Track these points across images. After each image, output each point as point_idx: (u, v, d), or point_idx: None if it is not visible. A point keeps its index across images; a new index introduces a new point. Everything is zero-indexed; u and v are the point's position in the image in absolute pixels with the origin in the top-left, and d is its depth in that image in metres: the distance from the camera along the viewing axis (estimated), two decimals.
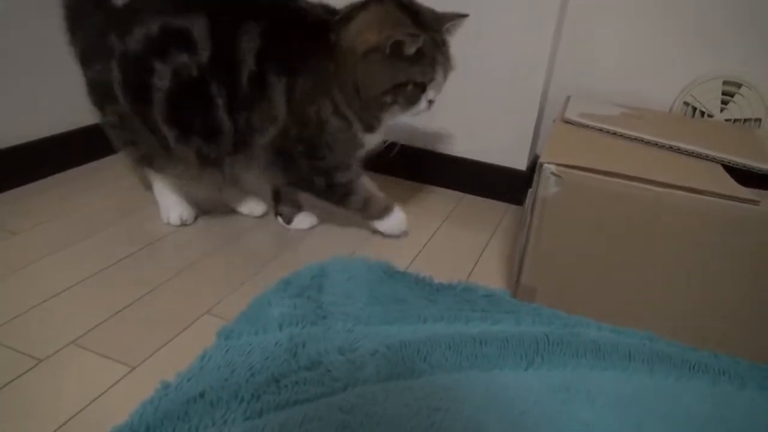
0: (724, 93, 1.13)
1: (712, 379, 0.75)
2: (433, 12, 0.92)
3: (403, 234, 1.10)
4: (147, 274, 0.90)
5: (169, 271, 0.92)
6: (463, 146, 1.30)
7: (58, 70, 1.17)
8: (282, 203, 1.10)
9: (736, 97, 1.12)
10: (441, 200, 1.28)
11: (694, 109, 1.15)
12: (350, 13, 0.90)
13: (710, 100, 1.14)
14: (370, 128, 0.96)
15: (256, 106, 0.92)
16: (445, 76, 0.93)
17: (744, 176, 0.83)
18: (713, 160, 0.87)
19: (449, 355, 0.74)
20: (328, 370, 0.69)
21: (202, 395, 0.64)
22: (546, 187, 0.82)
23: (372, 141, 1.00)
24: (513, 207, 1.28)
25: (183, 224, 1.07)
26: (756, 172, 0.84)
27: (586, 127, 0.96)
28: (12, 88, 1.10)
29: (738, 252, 0.78)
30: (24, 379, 0.68)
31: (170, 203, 1.08)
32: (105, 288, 0.86)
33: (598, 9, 1.18)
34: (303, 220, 1.10)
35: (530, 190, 0.89)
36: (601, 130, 0.95)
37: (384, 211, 1.07)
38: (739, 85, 1.12)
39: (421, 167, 1.24)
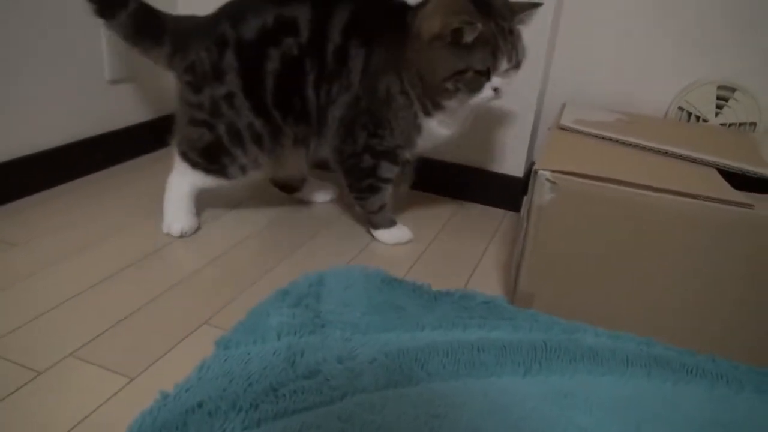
0: (718, 98, 1.14)
1: (710, 383, 0.75)
2: (506, 1, 0.93)
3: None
4: (145, 285, 0.90)
5: (168, 281, 0.92)
6: (460, 154, 1.30)
7: (55, 83, 1.18)
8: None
9: (731, 102, 1.13)
10: (438, 208, 1.29)
11: (689, 114, 1.16)
12: (425, 1, 0.95)
13: (705, 105, 1.15)
14: (427, 112, 0.98)
15: (336, 78, 0.99)
16: (513, 65, 0.93)
17: (739, 180, 0.83)
18: (708, 164, 0.88)
19: (447, 363, 0.74)
20: (327, 378, 0.69)
21: (200, 405, 0.64)
22: (541, 193, 0.82)
23: (438, 133, 1.01)
24: (510, 214, 1.28)
25: (182, 236, 1.07)
26: (751, 176, 0.85)
27: (582, 133, 0.97)
28: (9, 101, 1.11)
29: (734, 255, 0.78)
30: (23, 392, 0.68)
31: (178, 213, 1.07)
32: (103, 299, 0.87)
33: (591, 17, 1.19)
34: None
35: (526, 197, 0.89)
36: (596, 136, 0.96)
37: (390, 223, 1.12)
38: (734, 90, 1.12)
39: (418, 175, 1.24)
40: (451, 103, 0.95)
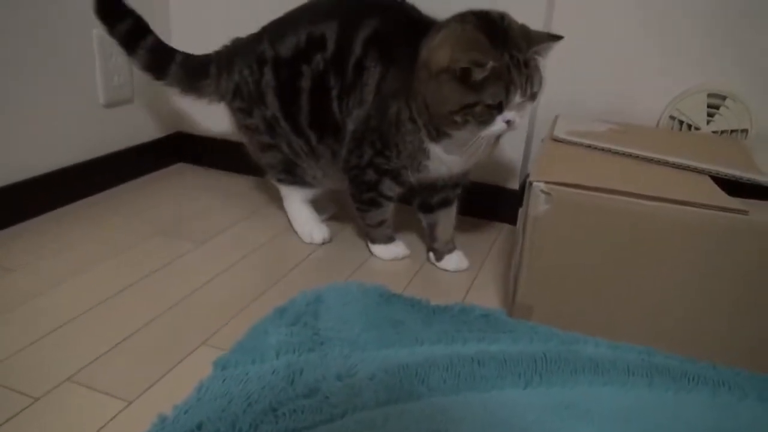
0: (709, 105, 1.15)
1: (711, 391, 0.74)
2: (523, 30, 0.88)
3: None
4: (142, 308, 0.90)
5: (166, 302, 0.92)
6: None
7: (50, 108, 1.19)
8: (435, 240, 1.10)
9: (722, 110, 1.14)
10: None
11: (681, 122, 1.17)
12: (437, 27, 0.91)
13: (696, 113, 1.15)
14: (433, 138, 0.95)
15: (353, 90, 0.99)
16: (528, 97, 0.88)
17: (732, 187, 0.84)
18: (701, 171, 0.88)
19: (447, 377, 0.73)
20: (326, 396, 0.69)
21: (199, 427, 0.63)
22: (536, 205, 0.82)
23: (448, 159, 0.97)
24: (507, 226, 1.28)
25: (323, 243, 1.15)
26: (744, 182, 0.85)
27: (575, 144, 0.97)
28: (3, 126, 1.11)
29: (730, 261, 0.78)
30: (20, 419, 0.68)
31: (308, 226, 1.16)
32: (101, 322, 0.86)
33: (582, 29, 1.20)
34: (452, 261, 1.10)
35: (521, 209, 0.90)
36: (589, 146, 0.96)
37: (387, 239, 1.11)
38: (724, 98, 1.13)
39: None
40: (460, 134, 0.91)
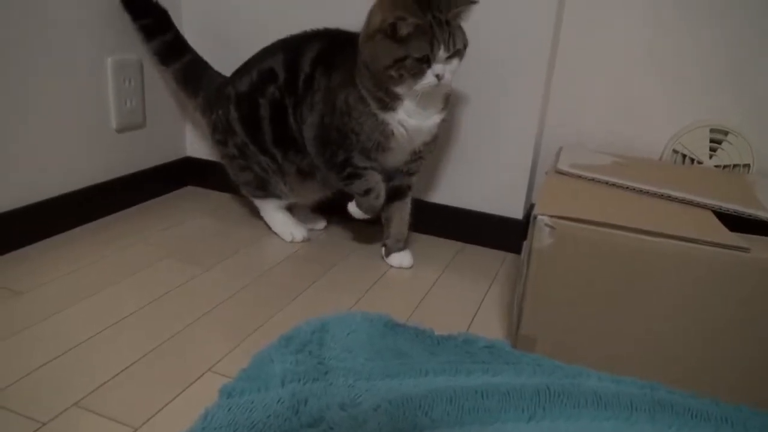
0: (712, 140, 1.16)
1: (714, 427, 0.74)
2: None
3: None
4: (149, 333, 0.91)
5: (172, 328, 0.93)
6: (460, 197, 1.32)
7: (62, 132, 1.21)
8: (389, 237, 1.22)
9: (724, 144, 1.15)
10: (440, 250, 1.30)
11: (684, 156, 1.18)
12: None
13: (699, 148, 1.17)
14: (384, 105, 1.04)
15: (304, 100, 1.12)
16: (452, 53, 0.98)
17: (734, 221, 0.85)
18: (704, 206, 0.89)
19: (451, 410, 0.74)
20: (330, 427, 0.69)
21: None
22: (540, 238, 0.83)
23: (409, 125, 1.05)
24: (511, 255, 1.29)
25: (303, 240, 1.27)
26: (746, 217, 0.86)
27: (579, 177, 0.99)
28: (16, 149, 1.13)
29: (733, 298, 0.79)
30: None
31: (288, 227, 1.28)
32: (108, 347, 0.87)
33: (585, 63, 1.23)
34: (395, 258, 1.21)
35: (525, 242, 0.91)
36: (593, 180, 0.97)
37: (369, 212, 1.15)
38: (726, 133, 1.15)
39: (419, 218, 1.26)
40: (400, 90, 1.01)
